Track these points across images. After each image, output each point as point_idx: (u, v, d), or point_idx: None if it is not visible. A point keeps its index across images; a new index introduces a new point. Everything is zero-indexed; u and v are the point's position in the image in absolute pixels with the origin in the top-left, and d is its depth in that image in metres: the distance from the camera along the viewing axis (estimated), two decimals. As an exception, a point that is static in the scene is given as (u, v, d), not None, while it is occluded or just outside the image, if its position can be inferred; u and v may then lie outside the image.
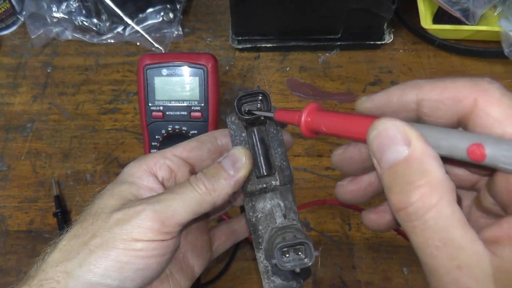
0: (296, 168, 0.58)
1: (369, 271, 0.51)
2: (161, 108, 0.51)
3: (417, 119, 0.25)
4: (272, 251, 0.30)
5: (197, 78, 0.50)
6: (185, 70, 0.50)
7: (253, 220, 0.33)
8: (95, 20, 0.67)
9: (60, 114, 0.63)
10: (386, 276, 0.51)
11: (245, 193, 0.34)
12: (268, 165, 0.33)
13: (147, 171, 0.33)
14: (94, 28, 0.68)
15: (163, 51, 0.67)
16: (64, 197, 0.57)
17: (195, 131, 0.51)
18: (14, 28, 0.71)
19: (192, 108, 0.50)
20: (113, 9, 0.65)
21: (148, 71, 0.50)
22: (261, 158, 0.34)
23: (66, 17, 0.67)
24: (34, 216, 0.56)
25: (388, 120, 0.22)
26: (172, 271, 0.34)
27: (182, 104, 0.50)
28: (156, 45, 0.67)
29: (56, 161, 0.59)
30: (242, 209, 0.39)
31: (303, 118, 0.29)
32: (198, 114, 0.50)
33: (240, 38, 0.66)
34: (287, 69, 0.66)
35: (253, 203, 0.33)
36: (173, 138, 0.51)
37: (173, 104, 0.50)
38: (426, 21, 0.66)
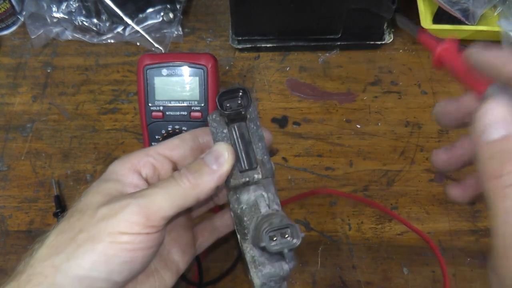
0: (296, 168, 0.58)
1: (369, 271, 0.51)
2: (161, 108, 0.51)
3: None
4: (259, 237, 0.31)
5: (197, 78, 0.50)
6: (185, 70, 0.50)
7: (238, 212, 0.34)
8: (95, 20, 0.67)
9: (60, 114, 0.63)
10: (386, 276, 0.51)
11: (228, 187, 0.35)
12: (249, 159, 0.35)
13: (131, 169, 0.34)
14: (94, 28, 0.68)
15: (163, 51, 0.67)
16: (64, 197, 0.57)
17: (195, 131, 0.51)
18: (14, 28, 0.71)
19: (192, 108, 0.50)
20: (113, 9, 0.65)
21: (148, 71, 0.50)
22: (243, 153, 0.35)
23: (66, 17, 0.67)
24: (34, 216, 0.56)
25: (496, 102, 0.27)
26: (157, 267, 0.35)
27: (182, 104, 0.50)
28: (156, 45, 0.67)
29: (56, 161, 0.59)
30: (222, 206, 0.41)
31: (438, 49, 0.36)
32: (198, 114, 0.50)
33: (240, 38, 0.66)
34: (287, 69, 0.66)
35: (237, 195, 0.34)
36: (173, 138, 0.52)
37: (173, 104, 0.50)
38: (426, 21, 0.66)
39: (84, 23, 0.67)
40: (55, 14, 0.67)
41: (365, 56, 0.67)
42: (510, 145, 0.25)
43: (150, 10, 0.67)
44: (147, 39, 0.67)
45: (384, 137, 0.60)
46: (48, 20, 0.68)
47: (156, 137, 0.52)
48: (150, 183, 0.34)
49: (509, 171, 0.25)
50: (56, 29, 0.68)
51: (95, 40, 0.68)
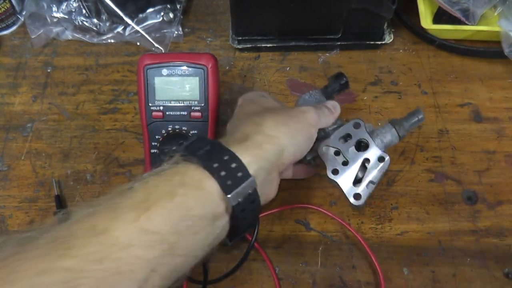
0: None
1: (369, 271, 0.51)
2: (161, 108, 0.51)
3: None
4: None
5: (197, 78, 0.50)
6: (185, 70, 0.50)
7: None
8: (95, 20, 0.67)
9: (60, 114, 0.63)
10: (386, 276, 0.51)
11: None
12: None
13: None
14: (94, 28, 0.68)
15: (163, 51, 0.67)
16: (64, 197, 0.57)
17: (195, 131, 0.51)
18: (14, 28, 0.71)
19: (192, 108, 0.50)
20: (113, 9, 0.65)
21: (148, 71, 0.50)
22: None
23: (66, 17, 0.67)
24: (34, 216, 0.56)
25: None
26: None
27: (182, 104, 0.50)
28: (156, 45, 0.67)
29: (56, 161, 0.59)
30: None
31: None
32: (198, 114, 0.50)
33: (240, 38, 0.66)
34: (287, 69, 0.66)
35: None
36: (173, 138, 0.51)
37: (173, 104, 0.50)
38: (426, 21, 0.66)
39: (84, 23, 0.67)
40: (55, 14, 0.67)
41: (365, 56, 0.67)
42: None
43: (150, 10, 0.67)
44: (147, 39, 0.67)
45: (384, 137, 0.60)
46: (48, 20, 0.68)
47: (156, 137, 0.52)
48: None
49: None
50: (56, 29, 0.68)
51: (95, 40, 0.68)
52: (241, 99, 0.50)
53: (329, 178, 0.48)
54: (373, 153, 0.47)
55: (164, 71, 0.50)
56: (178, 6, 0.69)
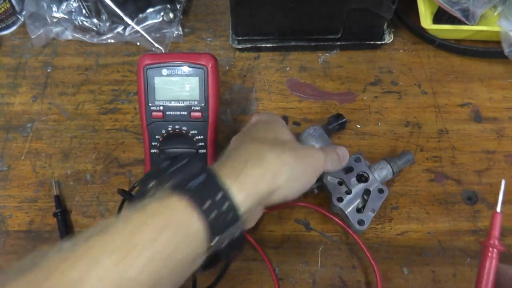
0: (296, 168, 0.58)
1: (369, 271, 0.51)
2: (161, 108, 0.50)
3: None
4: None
5: (197, 78, 0.50)
6: (185, 70, 0.50)
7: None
8: (95, 20, 0.67)
9: (60, 114, 0.63)
10: (386, 276, 0.51)
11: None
12: None
13: None
14: (94, 28, 0.68)
15: (163, 51, 0.67)
16: (64, 197, 0.57)
17: (195, 131, 0.51)
18: (14, 28, 0.71)
19: (192, 108, 0.50)
20: (113, 9, 0.65)
21: (148, 71, 0.50)
22: None
23: (66, 17, 0.67)
24: (34, 216, 0.56)
25: None
26: None
27: (182, 104, 0.50)
28: (156, 45, 0.67)
29: (56, 161, 0.59)
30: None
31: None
32: (198, 114, 0.50)
33: (240, 38, 0.66)
34: (287, 69, 0.66)
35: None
36: (173, 138, 0.51)
37: (173, 104, 0.50)
38: (426, 21, 0.66)
39: (84, 23, 0.67)
40: (55, 14, 0.67)
41: (365, 56, 0.67)
42: None
43: (150, 10, 0.67)
44: (147, 39, 0.67)
45: (384, 137, 0.60)
46: (48, 20, 0.68)
47: (156, 137, 0.52)
48: None
49: None
50: (56, 29, 0.68)
51: (95, 40, 0.68)
52: (255, 116, 0.48)
53: (334, 205, 0.51)
54: (373, 184, 0.52)
55: (164, 71, 0.50)
56: (178, 6, 0.69)
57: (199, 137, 0.51)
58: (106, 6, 0.65)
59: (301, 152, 0.42)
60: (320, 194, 0.55)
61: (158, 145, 0.52)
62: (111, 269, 0.30)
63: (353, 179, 0.53)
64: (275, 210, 0.55)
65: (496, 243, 0.37)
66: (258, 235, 0.53)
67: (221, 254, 0.36)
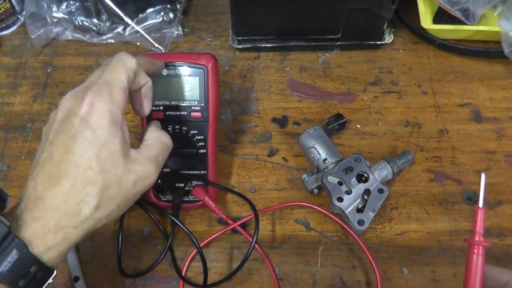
0: (296, 168, 0.58)
1: (369, 271, 0.51)
2: (161, 108, 0.50)
3: None
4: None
5: (197, 78, 0.50)
6: (185, 70, 0.49)
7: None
8: (95, 20, 0.67)
9: (60, 114, 0.63)
10: (386, 276, 0.51)
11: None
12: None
13: None
14: (94, 28, 0.68)
15: (163, 51, 0.67)
16: (64, 197, 0.57)
17: (195, 131, 0.51)
18: (14, 28, 0.71)
19: (192, 108, 0.50)
20: (113, 9, 0.65)
21: (148, 71, 0.50)
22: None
23: (66, 17, 0.67)
24: (34, 216, 0.56)
25: None
26: None
27: (182, 104, 0.50)
28: (156, 45, 0.67)
29: (56, 161, 0.59)
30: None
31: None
32: (198, 114, 0.50)
33: (240, 38, 0.66)
34: (287, 69, 0.66)
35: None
36: (173, 138, 0.51)
37: (173, 104, 0.50)
38: (426, 21, 0.66)
39: (84, 23, 0.67)
40: (55, 14, 0.67)
41: (365, 56, 0.67)
42: None
43: (150, 10, 0.67)
44: (147, 39, 0.67)
45: (384, 137, 0.60)
46: (48, 20, 0.68)
47: (156, 137, 0.52)
48: None
49: None
50: (56, 29, 0.68)
51: (95, 40, 0.68)
52: (62, 104, 0.38)
53: (334, 205, 0.51)
54: (373, 185, 0.52)
55: (164, 71, 0.50)
56: (178, 6, 0.69)
57: (199, 137, 0.51)
58: (106, 6, 0.65)
59: (98, 169, 0.35)
60: (320, 194, 0.55)
61: (158, 145, 0.52)
62: None
63: (353, 179, 0.53)
64: (275, 208, 0.55)
65: (481, 239, 0.36)
66: (258, 235, 0.53)
67: None
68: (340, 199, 0.51)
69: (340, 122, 0.59)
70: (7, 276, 0.33)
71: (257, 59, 0.67)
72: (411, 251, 0.52)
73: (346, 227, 0.52)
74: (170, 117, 0.51)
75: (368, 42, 0.66)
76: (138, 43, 0.68)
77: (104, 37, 0.68)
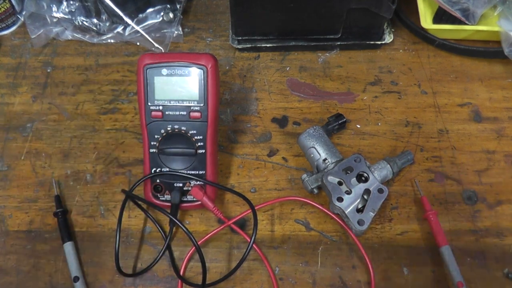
0: (296, 168, 0.58)
1: (369, 271, 0.51)
2: (161, 108, 0.50)
3: None
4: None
5: (197, 78, 0.50)
6: (185, 70, 0.49)
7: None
8: (95, 20, 0.67)
9: (60, 114, 0.63)
10: (386, 276, 0.51)
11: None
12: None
13: None
14: (94, 28, 0.68)
15: (163, 51, 0.67)
16: (64, 197, 0.57)
17: (194, 131, 0.51)
18: (14, 28, 0.71)
19: (192, 108, 0.50)
20: (113, 9, 0.65)
21: (148, 70, 0.50)
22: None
23: (66, 17, 0.67)
24: (34, 216, 0.56)
25: None
26: None
27: (182, 104, 0.50)
28: (156, 45, 0.67)
29: (56, 161, 0.59)
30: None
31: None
32: (197, 114, 0.50)
33: (240, 38, 0.66)
34: (287, 69, 0.66)
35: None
36: (172, 138, 0.51)
37: (172, 104, 0.50)
38: (426, 21, 0.66)
39: (84, 23, 0.67)
40: (55, 14, 0.67)
41: (365, 56, 0.67)
42: None
43: (150, 10, 0.67)
44: (147, 39, 0.67)
45: (384, 137, 0.60)
46: (48, 20, 0.68)
47: (156, 136, 0.52)
48: None
49: None
50: (56, 29, 0.68)
51: (95, 40, 0.68)
52: None
53: (334, 205, 0.51)
54: (372, 185, 0.52)
55: (164, 71, 0.49)
56: (178, 6, 0.69)
57: (198, 137, 0.51)
58: (106, 6, 0.65)
59: None
60: (320, 194, 0.55)
61: (157, 144, 0.52)
62: None
63: (353, 179, 0.53)
64: (275, 201, 0.55)
65: (432, 211, 0.53)
66: (258, 235, 0.53)
67: None
68: (340, 199, 0.51)
69: (340, 122, 0.59)
70: None
71: (257, 59, 0.67)
72: (411, 251, 0.52)
73: (346, 228, 0.52)
74: (169, 116, 0.51)
75: (368, 42, 0.66)
76: (138, 43, 0.68)
77: (104, 37, 0.68)
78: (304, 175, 0.55)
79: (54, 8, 0.67)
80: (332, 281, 0.51)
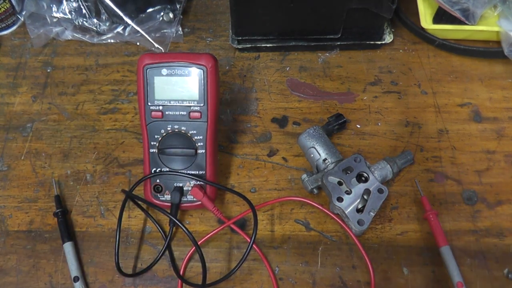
0: (296, 168, 0.58)
1: (369, 271, 0.51)
2: (161, 108, 0.50)
3: None
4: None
5: (197, 78, 0.50)
6: (185, 70, 0.49)
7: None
8: (95, 20, 0.67)
9: (60, 114, 0.63)
10: (386, 276, 0.51)
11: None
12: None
13: None
14: (94, 28, 0.68)
15: (163, 51, 0.67)
16: (64, 197, 0.57)
17: (194, 131, 0.51)
18: (14, 28, 0.71)
19: (192, 108, 0.50)
20: (113, 9, 0.65)
21: (148, 70, 0.50)
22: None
23: (66, 17, 0.67)
24: (34, 216, 0.56)
25: None
26: None
27: (182, 104, 0.50)
28: (156, 45, 0.67)
29: (56, 161, 0.59)
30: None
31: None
32: (197, 114, 0.50)
33: (240, 38, 0.66)
34: (287, 69, 0.66)
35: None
36: (172, 138, 0.51)
37: (172, 104, 0.50)
38: (426, 21, 0.66)
39: (84, 23, 0.67)
40: (55, 14, 0.67)
41: (365, 56, 0.67)
42: None
43: (150, 10, 0.67)
44: (147, 39, 0.67)
45: (384, 137, 0.60)
46: (48, 20, 0.68)
47: (156, 136, 0.52)
48: None
49: None
50: (56, 29, 0.68)
51: (95, 40, 0.68)
52: None
53: (334, 205, 0.51)
54: (372, 185, 0.52)
55: (164, 71, 0.49)
56: (178, 6, 0.69)
57: (198, 137, 0.51)
58: (106, 6, 0.65)
59: None
60: (320, 194, 0.55)
61: (157, 144, 0.52)
62: None
63: (353, 179, 0.53)
64: (275, 201, 0.55)
65: (432, 211, 0.53)
66: (258, 235, 0.53)
67: None
68: (340, 199, 0.51)
69: (340, 122, 0.59)
70: None
71: (257, 59, 0.67)
72: (411, 251, 0.52)
73: (346, 227, 0.52)
74: (169, 116, 0.51)
75: (368, 42, 0.66)
76: (138, 43, 0.68)
77: (104, 37, 0.68)
78: (304, 175, 0.55)
79: (54, 8, 0.67)
80: (332, 281, 0.51)
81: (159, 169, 0.52)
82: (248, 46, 0.66)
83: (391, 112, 0.62)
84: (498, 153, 0.59)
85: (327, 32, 0.65)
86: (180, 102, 0.50)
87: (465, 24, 0.64)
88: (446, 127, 0.60)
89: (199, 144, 0.51)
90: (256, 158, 0.59)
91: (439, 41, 0.66)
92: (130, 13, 0.66)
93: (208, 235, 0.52)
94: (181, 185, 0.53)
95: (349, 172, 0.53)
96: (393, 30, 0.67)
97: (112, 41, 0.68)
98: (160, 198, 0.53)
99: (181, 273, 0.51)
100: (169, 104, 0.50)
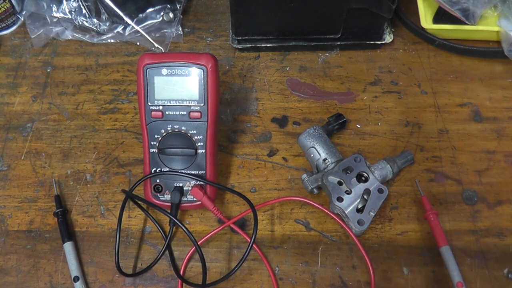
0: (296, 168, 0.58)
1: (369, 271, 0.51)
2: (161, 107, 0.50)
3: None
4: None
5: (197, 78, 0.50)
6: (185, 70, 0.49)
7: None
8: (95, 20, 0.67)
9: (60, 114, 0.63)
10: (386, 276, 0.51)
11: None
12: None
13: None
14: (94, 28, 0.68)
15: (163, 51, 0.67)
16: (64, 197, 0.57)
17: (194, 131, 0.51)
18: (14, 28, 0.71)
19: (192, 108, 0.50)
20: (113, 9, 0.65)
21: (148, 70, 0.50)
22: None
23: (66, 17, 0.67)
24: (34, 216, 0.56)
25: None
26: None
27: (182, 104, 0.50)
28: (156, 45, 0.67)
29: (56, 161, 0.59)
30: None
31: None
32: (197, 114, 0.50)
33: (240, 38, 0.66)
34: (287, 69, 0.66)
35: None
36: (172, 138, 0.51)
37: (172, 103, 0.50)
38: (426, 21, 0.66)
39: (84, 23, 0.67)
40: (55, 14, 0.67)
41: (365, 56, 0.67)
42: None
43: (150, 10, 0.67)
44: (147, 39, 0.67)
45: (384, 137, 0.60)
46: (48, 19, 0.68)
47: (156, 136, 0.52)
48: None
49: None
50: (56, 29, 0.68)
51: (95, 40, 0.68)
52: None
53: (334, 205, 0.51)
54: (372, 184, 0.52)
55: (164, 71, 0.49)
56: (178, 6, 0.69)
57: (198, 137, 0.51)
58: (106, 6, 0.65)
59: None
60: (320, 194, 0.55)
61: (157, 144, 0.52)
62: None
63: (353, 179, 0.53)
64: (275, 201, 0.55)
65: (433, 211, 0.53)
66: (258, 235, 0.53)
67: None
68: (340, 199, 0.51)
69: (340, 122, 0.59)
70: None
71: (257, 59, 0.67)
72: (411, 251, 0.52)
73: (346, 227, 0.52)
74: (169, 116, 0.51)
75: (368, 42, 0.66)
76: (138, 43, 0.68)
77: (104, 37, 0.68)
78: (304, 175, 0.55)
79: (54, 8, 0.67)
80: (332, 281, 0.51)
81: (159, 169, 0.52)
82: (248, 46, 0.66)
83: (391, 112, 0.62)
84: (498, 153, 0.59)
85: (327, 32, 0.65)
86: (180, 102, 0.50)
87: (465, 24, 0.64)
88: (446, 127, 0.60)
89: (199, 144, 0.51)
90: (256, 158, 0.59)
91: (439, 41, 0.66)
92: (130, 13, 0.66)
93: (208, 235, 0.52)
94: (181, 185, 0.53)
95: (349, 172, 0.53)
96: (393, 30, 0.67)
97: (112, 41, 0.68)
98: (160, 198, 0.53)
99: (181, 273, 0.51)
100: (169, 104, 0.50)
